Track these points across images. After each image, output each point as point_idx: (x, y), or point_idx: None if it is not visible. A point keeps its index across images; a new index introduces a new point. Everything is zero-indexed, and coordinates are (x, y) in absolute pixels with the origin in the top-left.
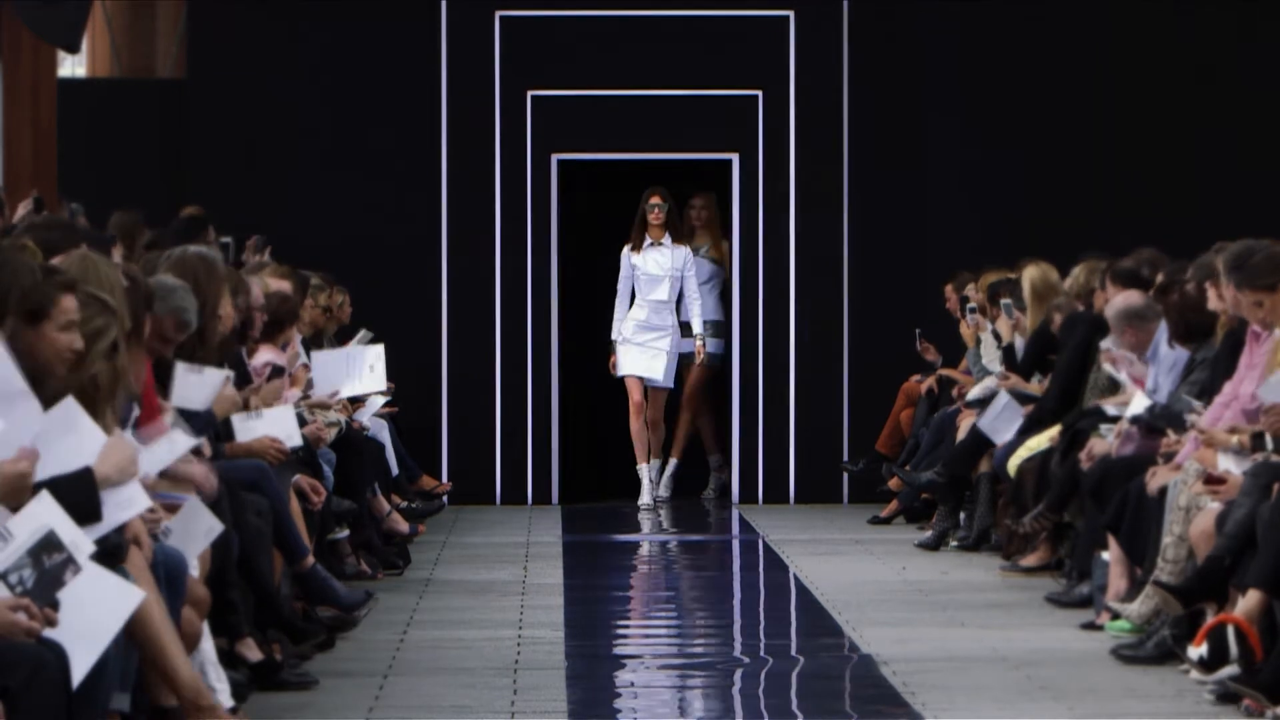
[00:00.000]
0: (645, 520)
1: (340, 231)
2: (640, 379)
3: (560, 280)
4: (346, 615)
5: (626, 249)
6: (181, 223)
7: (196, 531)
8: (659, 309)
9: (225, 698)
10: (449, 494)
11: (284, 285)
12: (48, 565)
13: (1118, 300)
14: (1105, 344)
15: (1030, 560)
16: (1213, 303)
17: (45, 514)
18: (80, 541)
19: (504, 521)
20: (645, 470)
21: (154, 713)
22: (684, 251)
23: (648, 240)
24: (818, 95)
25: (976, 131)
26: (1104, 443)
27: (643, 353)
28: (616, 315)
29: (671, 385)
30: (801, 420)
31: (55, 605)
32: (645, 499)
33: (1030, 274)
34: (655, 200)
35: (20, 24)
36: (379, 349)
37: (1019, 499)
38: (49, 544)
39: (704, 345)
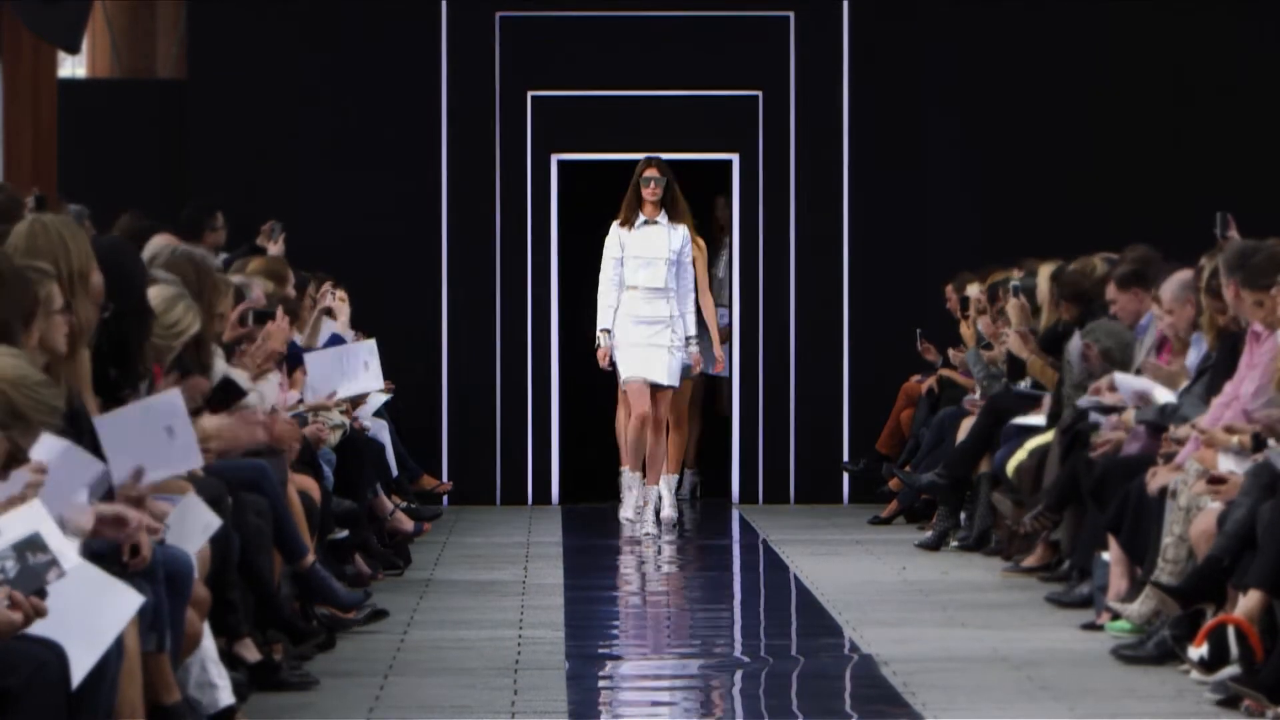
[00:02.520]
0: (644, 521)
1: (340, 231)
2: (646, 383)
3: (560, 280)
4: (345, 615)
5: (615, 225)
6: (185, 219)
7: (194, 528)
8: (653, 297)
9: (226, 695)
10: (449, 494)
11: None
12: (31, 562)
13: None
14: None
15: (1030, 560)
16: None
17: (36, 520)
18: (66, 551)
19: (504, 522)
20: (629, 477)
21: (154, 712)
22: (681, 231)
23: (640, 217)
24: (818, 95)
25: (976, 131)
26: (1118, 433)
27: (642, 352)
28: (604, 302)
29: (678, 384)
30: (801, 420)
31: (41, 595)
32: (628, 512)
33: (1046, 272)
34: (651, 173)
35: (20, 24)
36: (371, 344)
37: (1019, 499)
38: (34, 544)
39: (698, 354)
